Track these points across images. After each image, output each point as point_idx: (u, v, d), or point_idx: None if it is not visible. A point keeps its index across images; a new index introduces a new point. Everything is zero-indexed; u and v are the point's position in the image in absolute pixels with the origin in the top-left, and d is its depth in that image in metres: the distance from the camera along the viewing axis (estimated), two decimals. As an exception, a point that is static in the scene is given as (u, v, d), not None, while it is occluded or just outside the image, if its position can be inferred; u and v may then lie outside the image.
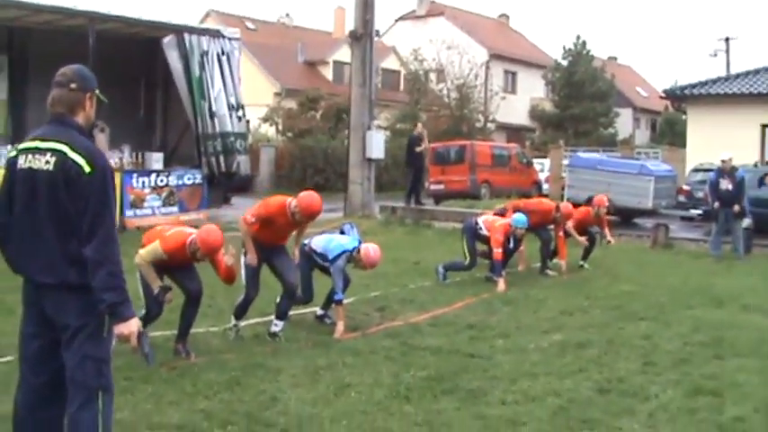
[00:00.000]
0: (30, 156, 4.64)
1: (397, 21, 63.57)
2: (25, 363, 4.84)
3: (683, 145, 34.75)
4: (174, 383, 7.56)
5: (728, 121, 29.24)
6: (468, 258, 13.95)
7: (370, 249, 10.07)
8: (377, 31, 26.21)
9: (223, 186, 22.30)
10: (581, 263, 15.77)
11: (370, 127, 25.49)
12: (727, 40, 56.59)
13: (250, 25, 58.38)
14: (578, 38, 58.97)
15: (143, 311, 8.30)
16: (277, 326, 9.53)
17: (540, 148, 50.99)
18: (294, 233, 9.97)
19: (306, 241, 10.38)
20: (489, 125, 53.65)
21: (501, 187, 32.91)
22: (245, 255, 9.45)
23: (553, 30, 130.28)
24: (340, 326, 9.91)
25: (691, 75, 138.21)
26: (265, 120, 43.14)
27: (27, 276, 4.76)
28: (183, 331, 8.75)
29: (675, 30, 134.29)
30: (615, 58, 75.26)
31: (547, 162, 39.28)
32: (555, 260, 15.37)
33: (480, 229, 14.00)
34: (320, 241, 10.40)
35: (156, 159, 21.43)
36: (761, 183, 21.82)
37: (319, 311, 10.63)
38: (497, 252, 13.50)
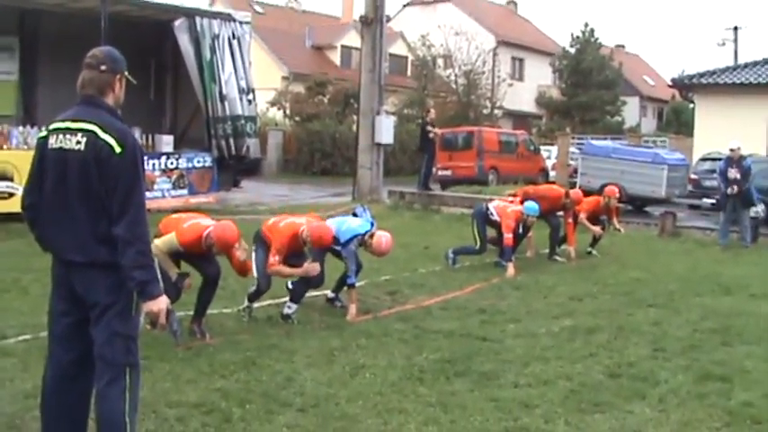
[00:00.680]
0: (60, 136, 4.72)
1: (405, 6, 63.51)
2: (55, 340, 4.93)
3: (690, 134, 34.82)
4: (190, 363, 7.67)
5: (736, 110, 29.28)
6: (478, 243, 14.03)
7: (383, 238, 10.14)
8: (387, 17, 26.23)
9: (233, 169, 22.37)
10: (589, 249, 15.86)
11: (380, 112, 25.58)
12: (735, 29, 56.57)
13: (258, 9, 58.34)
14: (586, 25, 58.91)
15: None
16: (290, 308, 9.61)
17: (547, 135, 50.97)
18: None
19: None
20: (496, 112, 53.68)
21: (508, 174, 32.97)
22: (255, 251, 9.58)
23: (561, 17, 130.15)
24: (352, 309, 9.99)
25: (698, 64, 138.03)
26: (273, 104, 43.18)
27: (57, 255, 4.85)
28: (200, 312, 8.88)
29: (683, 18, 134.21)
30: (623, 47, 75.13)
31: (554, 149, 39.30)
32: (564, 246, 15.46)
33: (491, 214, 14.08)
34: (332, 224, 10.49)
35: (166, 142, 21.49)
36: None
37: (330, 294, 10.70)
38: (508, 238, 13.58)
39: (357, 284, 10.30)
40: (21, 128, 18.45)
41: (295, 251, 9.46)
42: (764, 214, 18.60)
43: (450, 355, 8.27)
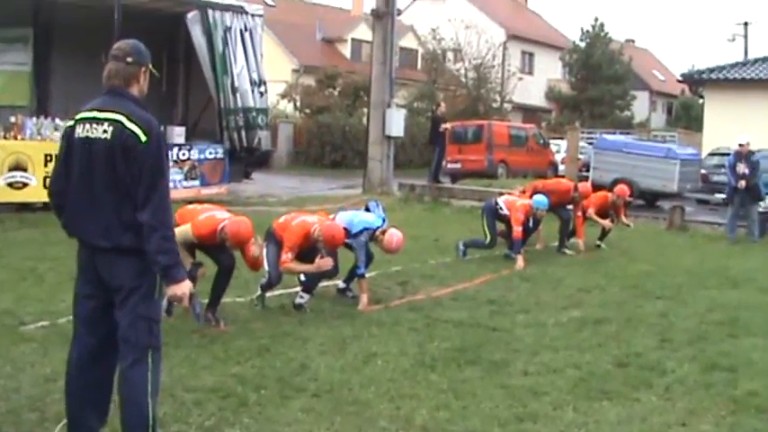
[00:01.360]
0: (87, 125, 4.87)
1: (415, 0, 63.55)
2: (81, 323, 5.09)
3: (699, 129, 34.91)
4: (206, 349, 7.82)
5: (745, 105, 29.42)
6: (488, 238, 14.16)
7: (394, 237, 10.28)
8: (398, 10, 26.35)
9: (244, 161, 22.50)
10: (597, 243, 15.97)
11: (390, 105, 25.68)
12: (745, 24, 56.58)
13: (269, 1, 58.25)
14: (596, 20, 59.01)
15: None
16: (303, 298, 9.74)
17: (557, 129, 51.05)
18: None
19: (331, 217, 10.60)
20: (506, 106, 53.79)
21: (518, 168, 33.11)
22: (266, 246, 9.71)
23: (571, 11, 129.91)
24: (364, 298, 10.12)
25: (708, 59, 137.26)
26: (283, 96, 43.28)
27: (83, 240, 5.00)
28: (214, 300, 9.02)
29: (693, 13, 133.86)
30: (633, 41, 75.10)
31: (563, 143, 39.35)
32: (573, 239, 15.58)
33: (501, 208, 14.18)
34: (345, 216, 10.62)
35: (177, 133, 21.59)
36: None
37: (341, 285, 10.81)
38: (517, 231, 13.70)
39: (368, 275, 10.43)
40: (34, 119, 18.56)
41: (307, 248, 9.62)
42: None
43: (461, 343, 8.41)
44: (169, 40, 22.82)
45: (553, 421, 6.27)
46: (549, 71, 62.82)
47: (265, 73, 22.23)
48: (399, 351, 8.06)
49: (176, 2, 20.81)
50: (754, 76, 30.91)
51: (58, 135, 18.07)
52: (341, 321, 9.28)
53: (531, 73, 61.94)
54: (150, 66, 5.10)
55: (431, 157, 27.58)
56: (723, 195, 20.60)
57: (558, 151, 38.41)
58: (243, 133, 21.39)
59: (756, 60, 32.69)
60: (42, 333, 8.17)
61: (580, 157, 32.94)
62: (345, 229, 10.08)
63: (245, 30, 21.26)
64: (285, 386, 6.82)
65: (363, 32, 54.16)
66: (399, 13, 26.60)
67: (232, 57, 20.82)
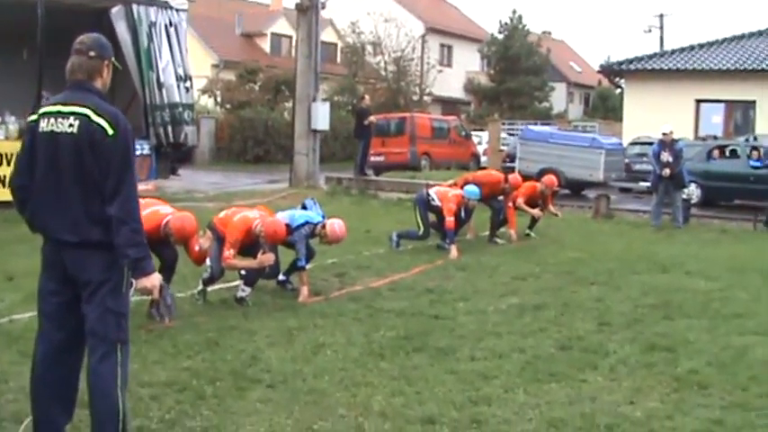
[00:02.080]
0: (51, 119, 4.84)
1: (334, -7, 63.43)
2: (46, 319, 5.05)
3: (617, 119, 35.55)
4: (154, 344, 7.80)
5: (664, 95, 30.08)
6: (421, 229, 14.29)
7: (336, 225, 10.40)
8: (322, 3, 26.38)
9: (170, 157, 22.30)
10: (527, 231, 16.21)
11: (316, 98, 25.71)
12: (661, 16, 57.76)
13: (187, -4, 57.88)
14: (514, 12, 59.72)
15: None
16: (244, 291, 9.76)
17: (476, 121, 51.51)
18: None
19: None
20: (425, 98, 54.13)
21: (441, 159, 33.37)
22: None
23: (488, 4, 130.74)
24: (304, 290, 10.17)
25: (623, 50, 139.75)
26: (204, 91, 43.00)
27: (49, 236, 4.96)
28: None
29: (608, 6, 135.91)
30: (549, 33, 75.97)
31: (484, 135, 39.76)
32: (503, 229, 15.80)
33: (432, 200, 14.31)
34: (285, 215, 10.65)
35: (103, 130, 21.35)
36: (709, 156, 22.66)
37: (281, 277, 10.84)
38: (450, 221, 13.86)
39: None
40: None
41: (248, 244, 9.65)
42: (696, 196, 19.20)
43: (406, 332, 8.52)
44: (92, 36, 22.49)
45: (506, 403, 6.42)
46: (468, 63, 63.34)
47: (191, 68, 22.07)
48: (347, 341, 8.15)
49: (101, -2, 20.55)
50: (672, 67, 31.56)
51: (-22, 134, 17.82)
52: (285, 313, 9.34)
53: (449, 65, 62.42)
54: (113, 59, 5.10)
55: (354, 151, 27.71)
56: (647, 184, 21.06)
57: (479, 143, 38.78)
58: (169, 129, 21.16)
59: (674, 51, 33.37)
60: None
61: (502, 148, 33.30)
62: (287, 224, 10.13)
63: (170, 25, 21.04)
64: (239, 378, 6.86)
65: (283, 27, 54.14)
66: (323, 6, 26.54)
67: (157, 52, 20.59)
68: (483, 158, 36.72)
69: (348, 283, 11.29)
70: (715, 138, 27.32)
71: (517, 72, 57.12)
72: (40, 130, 4.87)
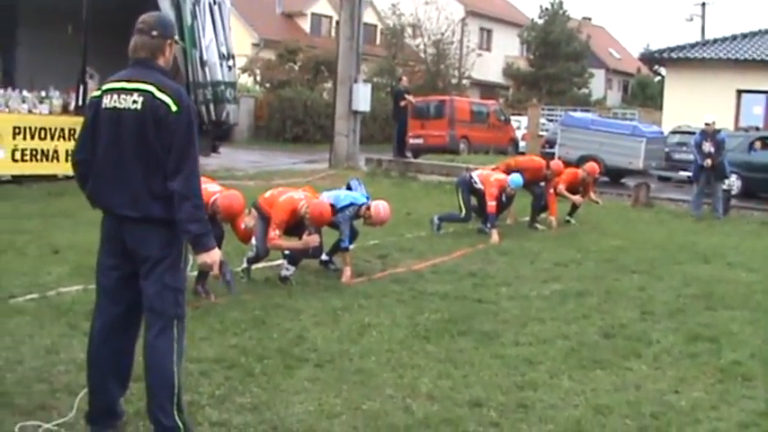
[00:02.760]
0: (115, 96, 4.90)
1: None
2: (104, 293, 5.13)
3: (655, 107, 35.31)
4: (202, 321, 7.87)
5: (705, 85, 29.86)
6: (463, 211, 14.32)
7: (381, 207, 10.46)
8: (366, -14, 26.43)
9: (211, 135, 22.41)
10: (567, 218, 16.20)
11: (357, 80, 25.76)
12: (703, 5, 57.06)
13: (228, -25, 57.96)
14: (554, -3, 59.23)
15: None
16: (288, 270, 9.84)
17: (515, 105, 51.37)
18: None
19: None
20: (464, 82, 53.99)
21: (479, 143, 33.35)
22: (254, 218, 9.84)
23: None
24: (347, 271, 10.25)
25: (663, 38, 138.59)
26: (244, 70, 43.12)
27: (109, 211, 5.03)
28: (203, 273, 9.08)
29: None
30: (589, 19, 75.47)
31: (523, 120, 39.63)
32: (544, 215, 15.80)
33: (475, 183, 14.32)
34: (330, 195, 10.71)
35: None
36: (750, 148, 22.50)
37: (324, 257, 10.88)
38: (491, 205, 13.88)
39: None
40: (1, 91, 18.41)
41: (293, 224, 9.73)
42: (737, 188, 19.09)
43: (450, 315, 8.59)
44: (139, 14, 22.61)
45: (552, 389, 6.47)
46: (507, 48, 63.13)
47: (234, 46, 22.17)
48: (392, 322, 8.22)
49: (145, -26, 20.65)
50: (713, 56, 31.31)
51: (26, 107, 17.99)
52: (329, 293, 9.41)
53: (489, 49, 62.19)
54: (176, 38, 5.17)
55: (392, 132, 27.70)
56: (688, 173, 20.93)
57: (518, 128, 38.67)
58: (211, 107, 21.27)
59: (716, 40, 33.09)
60: (33, 306, 8.18)
61: (542, 133, 33.18)
62: (332, 205, 10.20)
63: (214, 3, 21.12)
64: (287, 357, 6.94)
65: (323, 7, 54.18)
66: (367, -12, 26.58)
67: (201, 30, 20.69)
68: (521, 144, 36.65)
69: (390, 265, 11.36)
70: (757, 129, 27.11)
71: (556, 58, 56.85)
72: (104, 106, 4.93)
